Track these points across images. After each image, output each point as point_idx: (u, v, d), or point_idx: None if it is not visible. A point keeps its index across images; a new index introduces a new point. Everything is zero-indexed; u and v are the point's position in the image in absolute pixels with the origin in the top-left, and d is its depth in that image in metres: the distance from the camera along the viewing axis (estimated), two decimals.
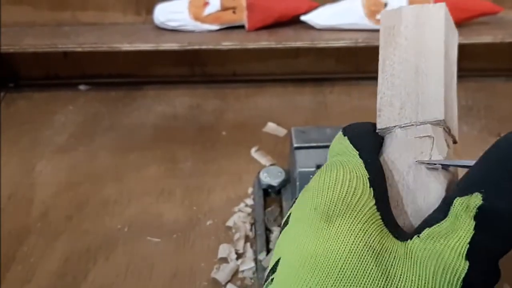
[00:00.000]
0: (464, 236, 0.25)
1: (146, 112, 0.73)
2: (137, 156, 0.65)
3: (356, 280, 0.24)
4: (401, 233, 0.27)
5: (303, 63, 0.80)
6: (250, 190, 0.58)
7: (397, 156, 0.30)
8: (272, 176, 0.57)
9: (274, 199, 0.57)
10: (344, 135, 0.31)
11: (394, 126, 0.31)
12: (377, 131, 0.32)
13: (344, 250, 0.25)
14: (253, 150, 0.65)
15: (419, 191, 0.29)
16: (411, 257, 0.25)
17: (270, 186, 0.56)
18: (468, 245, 0.25)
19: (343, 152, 0.30)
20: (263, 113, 0.72)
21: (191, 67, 0.81)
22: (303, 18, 0.73)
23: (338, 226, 0.26)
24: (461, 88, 0.75)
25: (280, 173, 0.57)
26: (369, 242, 0.25)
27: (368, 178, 0.28)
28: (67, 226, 0.55)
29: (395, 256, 0.25)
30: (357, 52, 0.77)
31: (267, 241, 0.52)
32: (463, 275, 0.24)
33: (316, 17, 0.73)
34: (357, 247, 0.25)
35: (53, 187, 0.60)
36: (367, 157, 0.29)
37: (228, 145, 0.66)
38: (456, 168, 0.30)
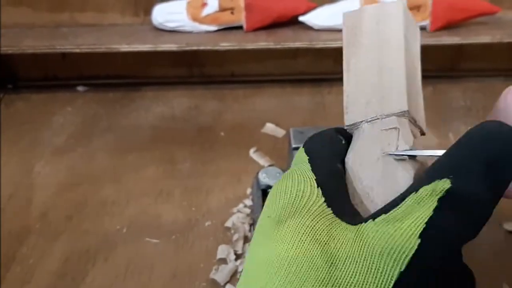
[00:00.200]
0: (421, 217, 0.24)
1: (145, 113, 0.74)
2: (136, 157, 0.65)
3: (301, 273, 0.24)
4: (359, 220, 0.27)
5: (301, 64, 0.81)
6: (248, 190, 0.58)
7: (366, 149, 0.31)
8: (270, 177, 0.57)
9: None
10: (303, 147, 0.32)
11: (361, 122, 0.32)
12: (345, 127, 0.33)
13: (291, 248, 0.26)
14: (251, 151, 0.65)
15: (388, 181, 0.29)
16: (360, 240, 0.25)
17: (269, 187, 0.56)
18: (424, 225, 0.24)
19: (298, 162, 0.31)
20: (262, 114, 0.72)
21: (189, 68, 0.81)
22: (301, 18, 0.73)
23: (286, 228, 0.27)
24: (459, 88, 0.76)
25: (278, 173, 0.57)
26: (315, 236, 0.26)
27: (315, 180, 0.29)
28: (66, 226, 0.55)
29: (343, 242, 0.25)
30: None
31: None
32: (412, 252, 0.24)
33: (315, 18, 0.73)
34: (304, 243, 0.26)
35: (52, 187, 0.60)
36: (316, 160, 0.30)
37: (226, 146, 0.66)
38: (425, 158, 0.31)
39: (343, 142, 0.32)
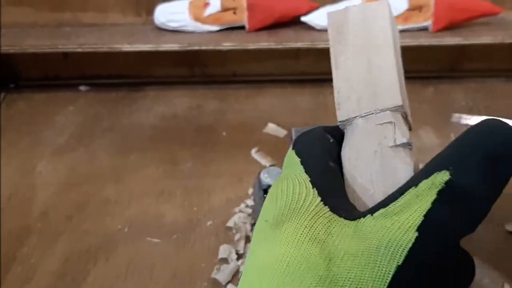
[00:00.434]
0: (420, 210, 0.24)
1: (146, 113, 0.74)
2: (137, 157, 0.65)
3: (300, 273, 0.24)
4: (357, 216, 0.26)
5: (303, 64, 0.80)
6: (250, 190, 0.58)
7: (361, 144, 0.31)
8: (272, 177, 0.56)
9: None
10: (292, 148, 0.32)
11: (355, 117, 0.32)
12: (338, 124, 0.33)
13: (290, 249, 0.25)
14: (253, 151, 0.65)
15: (388, 174, 0.29)
16: (358, 235, 0.25)
17: (271, 187, 0.56)
18: (422, 218, 0.24)
19: (290, 164, 0.31)
20: (263, 114, 0.72)
21: (191, 68, 0.81)
22: (303, 19, 0.73)
23: (284, 230, 0.27)
24: (461, 89, 0.76)
25: (280, 173, 0.57)
26: (314, 235, 0.26)
27: (310, 181, 0.28)
28: (67, 226, 0.55)
29: (341, 238, 0.25)
30: None
31: None
32: (409, 245, 0.24)
33: (317, 18, 0.73)
34: (302, 243, 0.25)
35: (53, 187, 0.60)
36: (308, 161, 0.30)
37: (228, 146, 0.66)
38: None
39: (331, 140, 0.32)
